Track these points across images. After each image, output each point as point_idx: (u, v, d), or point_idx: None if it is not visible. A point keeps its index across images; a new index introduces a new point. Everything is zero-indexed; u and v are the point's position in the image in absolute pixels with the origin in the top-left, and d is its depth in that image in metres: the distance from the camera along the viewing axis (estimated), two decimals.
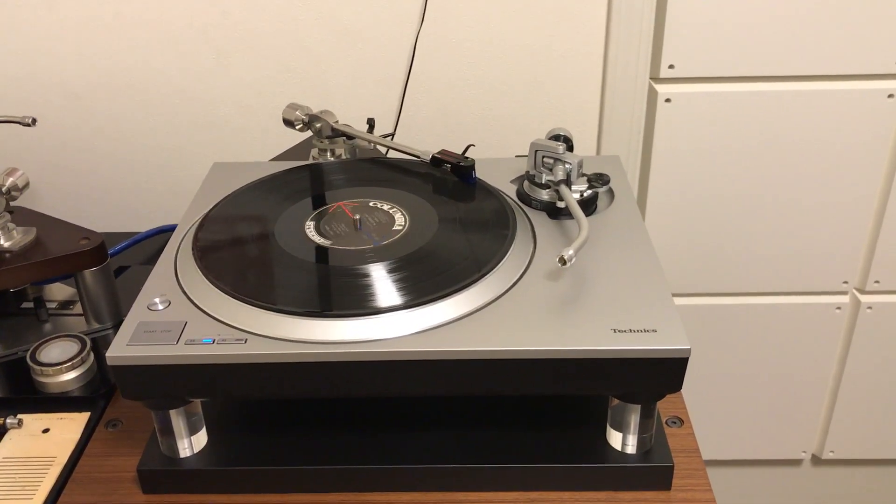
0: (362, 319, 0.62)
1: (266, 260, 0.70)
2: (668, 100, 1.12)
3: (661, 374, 0.61)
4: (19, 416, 0.75)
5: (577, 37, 1.07)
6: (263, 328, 0.62)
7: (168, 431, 0.67)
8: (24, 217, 0.86)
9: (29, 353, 0.78)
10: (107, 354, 0.61)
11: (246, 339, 0.62)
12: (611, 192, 0.81)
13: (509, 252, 0.69)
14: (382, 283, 0.66)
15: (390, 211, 0.76)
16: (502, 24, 1.06)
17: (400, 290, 0.65)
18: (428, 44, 1.07)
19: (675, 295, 1.24)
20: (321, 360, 0.60)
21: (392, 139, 1.12)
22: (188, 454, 0.68)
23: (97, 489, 0.68)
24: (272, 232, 0.73)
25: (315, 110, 0.91)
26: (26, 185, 0.84)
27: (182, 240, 0.74)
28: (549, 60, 1.09)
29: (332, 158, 0.91)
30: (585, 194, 0.77)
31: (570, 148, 0.81)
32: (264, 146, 1.14)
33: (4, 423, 0.74)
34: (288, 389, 0.62)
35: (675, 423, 0.73)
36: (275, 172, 0.84)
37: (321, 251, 0.70)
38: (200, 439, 0.69)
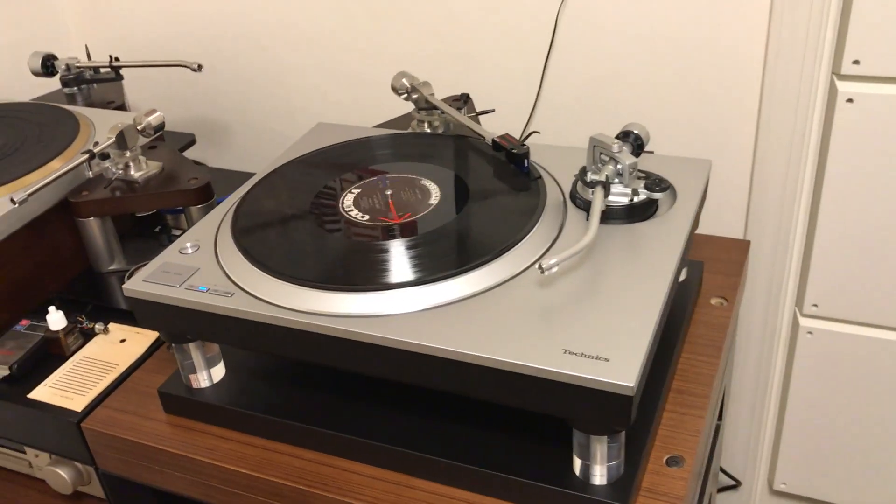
0: (333, 294, 0.64)
1: (287, 226, 0.73)
2: (850, 100, 0.97)
3: (605, 408, 0.56)
4: (110, 324, 0.87)
5: (736, 18, 0.96)
6: (253, 287, 0.66)
7: (185, 362, 0.74)
8: (160, 153, 0.98)
9: (128, 272, 0.89)
10: (123, 286, 0.69)
11: (233, 294, 0.66)
12: (674, 199, 0.73)
13: (513, 249, 0.66)
14: (378, 261, 0.67)
15: (428, 189, 0.76)
16: (649, 4, 0.99)
17: (389, 269, 0.65)
18: (570, 23, 1.03)
19: (837, 321, 1.09)
20: (284, 325, 0.63)
21: (530, 132, 1.09)
22: (202, 386, 0.75)
23: (135, 400, 0.78)
24: (309, 201, 0.76)
25: (420, 80, 0.92)
26: (161, 125, 0.95)
27: (243, 193, 0.80)
28: (701, 43, 0.99)
29: (429, 130, 0.92)
30: (636, 199, 0.71)
31: (638, 147, 0.74)
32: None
33: (94, 327, 0.86)
34: (257, 345, 0.66)
35: (675, 462, 0.66)
36: (336, 144, 0.87)
37: (340, 222, 0.73)
38: (217, 374, 0.75)
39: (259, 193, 0.79)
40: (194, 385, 0.75)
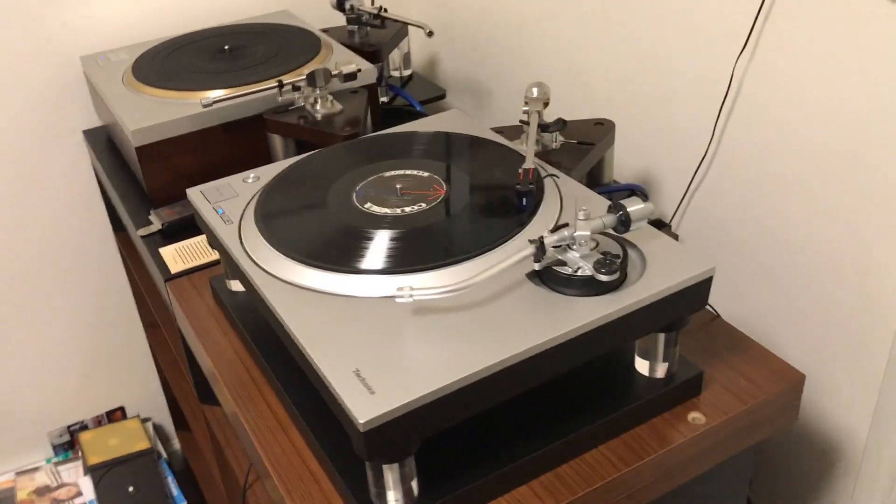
0: (271, 252, 0.75)
1: (299, 198, 0.83)
2: None
3: (353, 433, 0.60)
4: None
5: None
6: (244, 227, 0.80)
7: (223, 266, 0.91)
8: (352, 99, 1.13)
9: None
10: (187, 189, 0.87)
11: (231, 224, 0.81)
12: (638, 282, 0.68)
13: (433, 271, 0.70)
14: (322, 241, 0.75)
15: (437, 190, 0.80)
16: (830, 82, 0.85)
17: (320, 250, 0.74)
18: (752, 76, 0.93)
19: None
20: (231, 256, 0.76)
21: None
22: (234, 289, 0.91)
23: (206, 282, 0.97)
24: (331, 181, 0.85)
25: (536, 95, 0.93)
26: (352, 74, 1.10)
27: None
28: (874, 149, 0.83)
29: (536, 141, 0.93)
30: (578, 271, 0.68)
31: (622, 224, 0.70)
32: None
33: None
34: (225, 263, 0.81)
35: None
36: (379, 134, 0.94)
37: (339, 206, 0.80)
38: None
39: (310, 159, 0.90)
40: (227, 287, 0.92)
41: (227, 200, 0.85)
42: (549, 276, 0.70)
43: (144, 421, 1.66)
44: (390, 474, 0.64)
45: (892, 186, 0.83)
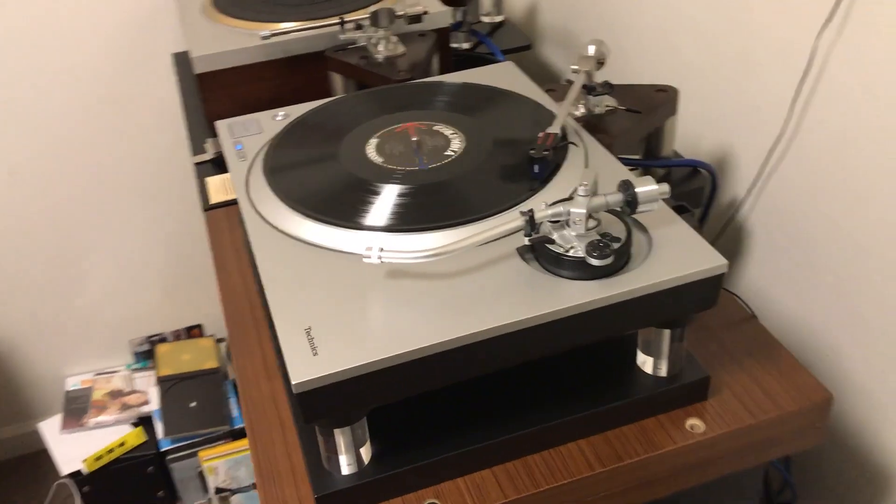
0: (272, 198, 0.73)
1: (308, 144, 0.80)
2: None
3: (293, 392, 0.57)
4: None
5: None
6: (255, 165, 0.78)
7: None
8: (419, 42, 1.08)
9: None
10: (216, 122, 0.87)
11: (244, 160, 0.79)
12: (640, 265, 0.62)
13: (420, 234, 0.66)
14: (314, 193, 0.72)
15: (456, 144, 0.76)
16: None
17: (309, 201, 0.71)
18: (839, 52, 0.81)
19: None
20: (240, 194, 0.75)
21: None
22: None
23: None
24: (345, 129, 0.81)
25: (605, 56, 0.86)
26: (417, 17, 1.06)
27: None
28: None
29: (582, 109, 0.86)
30: (570, 252, 0.63)
31: (628, 204, 0.63)
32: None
33: None
34: None
35: None
36: (393, 85, 0.90)
37: (344, 156, 0.77)
38: None
39: (333, 104, 0.87)
40: None
41: (251, 136, 0.83)
42: (540, 253, 0.64)
43: (219, 341, 1.72)
44: (341, 437, 0.62)
45: None
